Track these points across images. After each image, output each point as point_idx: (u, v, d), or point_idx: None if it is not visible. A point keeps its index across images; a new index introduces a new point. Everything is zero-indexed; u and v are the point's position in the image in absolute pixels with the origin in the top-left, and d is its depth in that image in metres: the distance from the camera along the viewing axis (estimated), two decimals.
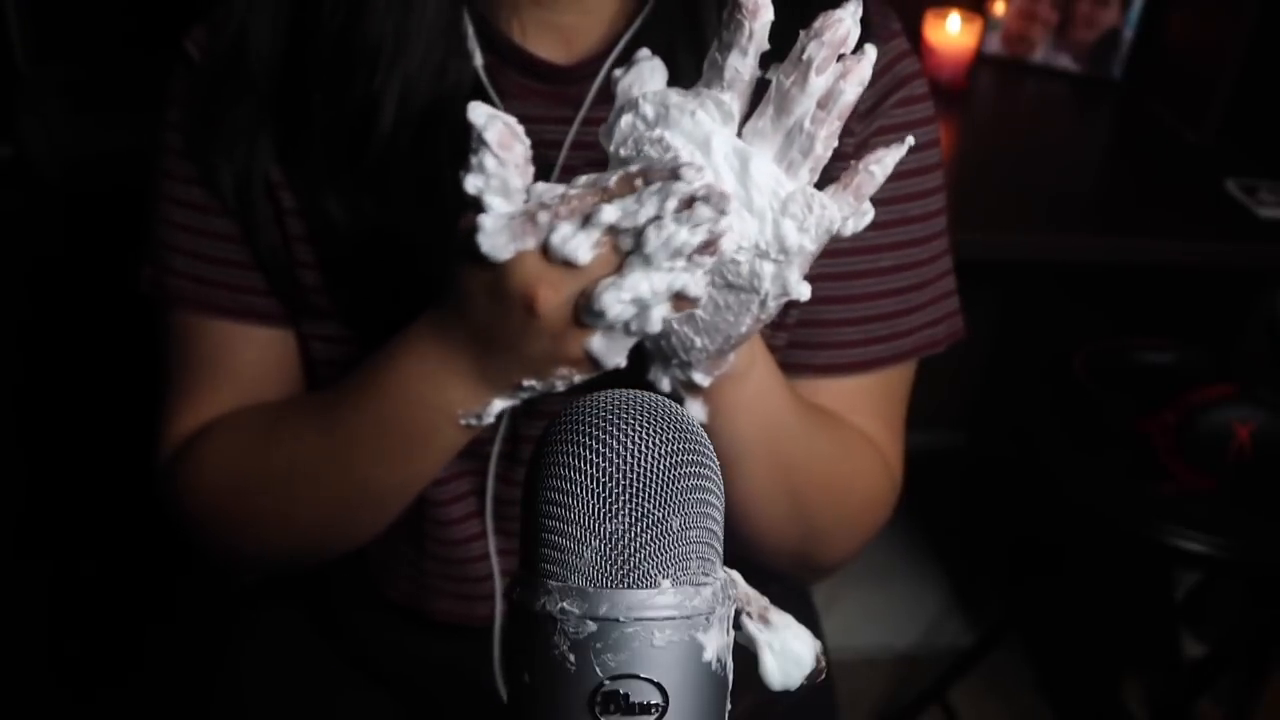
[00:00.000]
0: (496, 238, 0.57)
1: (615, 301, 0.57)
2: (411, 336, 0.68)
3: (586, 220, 0.55)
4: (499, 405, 0.66)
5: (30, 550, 1.91)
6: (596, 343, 0.60)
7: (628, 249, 0.56)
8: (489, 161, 0.57)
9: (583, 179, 0.58)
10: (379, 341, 0.79)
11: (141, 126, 0.85)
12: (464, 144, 0.58)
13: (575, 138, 0.76)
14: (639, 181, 0.55)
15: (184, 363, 0.82)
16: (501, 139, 0.57)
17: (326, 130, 0.74)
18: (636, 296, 0.57)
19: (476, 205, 0.58)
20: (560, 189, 0.58)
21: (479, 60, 0.74)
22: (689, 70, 0.72)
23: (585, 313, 0.58)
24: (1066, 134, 1.85)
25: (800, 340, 0.81)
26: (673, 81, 0.63)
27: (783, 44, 0.56)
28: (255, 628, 1.00)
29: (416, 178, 0.73)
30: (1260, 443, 1.38)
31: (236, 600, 1.03)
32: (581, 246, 0.56)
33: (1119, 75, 1.87)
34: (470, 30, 0.74)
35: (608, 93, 0.63)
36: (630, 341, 0.61)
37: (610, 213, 0.55)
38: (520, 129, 0.59)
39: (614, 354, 0.61)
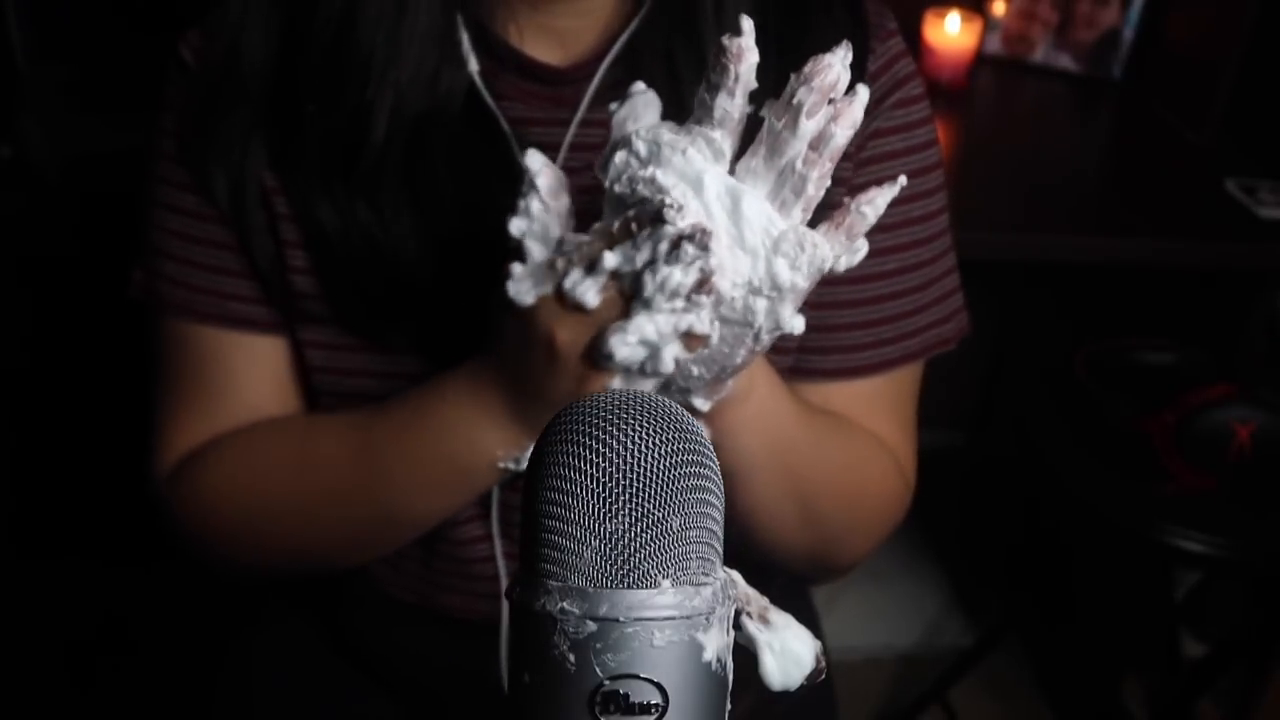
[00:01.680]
0: (521, 283, 0.60)
1: (622, 344, 0.58)
2: (449, 383, 0.69)
3: (592, 266, 0.58)
4: None
5: (31, 550, 1.91)
6: (617, 385, 0.62)
7: (630, 293, 0.58)
8: (535, 206, 0.60)
9: (597, 225, 0.60)
10: (374, 348, 0.79)
11: (141, 126, 0.85)
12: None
13: (573, 139, 0.76)
14: (634, 226, 0.57)
15: (178, 371, 0.82)
16: (551, 187, 0.60)
17: (320, 138, 0.74)
18: (643, 339, 0.58)
19: (517, 249, 0.60)
20: (583, 237, 0.60)
21: (474, 66, 0.75)
22: (687, 72, 0.72)
23: (597, 355, 0.60)
24: (1066, 134, 1.85)
25: (810, 345, 0.81)
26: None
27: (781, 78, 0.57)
28: (258, 627, 1.00)
29: (410, 186, 0.74)
30: (1260, 443, 1.38)
31: (239, 600, 1.03)
32: (589, 291, 0.58)
33: (1119, 75, 1.87)
34: (465, 37, 0.75)
35: (604, 94, 0.64)
36: (649, 382, 0.62)
37: (611, 259, 0.57)
38: (567, 183, 0.61)
39: None
